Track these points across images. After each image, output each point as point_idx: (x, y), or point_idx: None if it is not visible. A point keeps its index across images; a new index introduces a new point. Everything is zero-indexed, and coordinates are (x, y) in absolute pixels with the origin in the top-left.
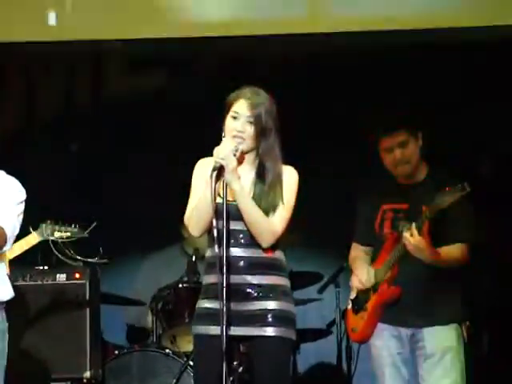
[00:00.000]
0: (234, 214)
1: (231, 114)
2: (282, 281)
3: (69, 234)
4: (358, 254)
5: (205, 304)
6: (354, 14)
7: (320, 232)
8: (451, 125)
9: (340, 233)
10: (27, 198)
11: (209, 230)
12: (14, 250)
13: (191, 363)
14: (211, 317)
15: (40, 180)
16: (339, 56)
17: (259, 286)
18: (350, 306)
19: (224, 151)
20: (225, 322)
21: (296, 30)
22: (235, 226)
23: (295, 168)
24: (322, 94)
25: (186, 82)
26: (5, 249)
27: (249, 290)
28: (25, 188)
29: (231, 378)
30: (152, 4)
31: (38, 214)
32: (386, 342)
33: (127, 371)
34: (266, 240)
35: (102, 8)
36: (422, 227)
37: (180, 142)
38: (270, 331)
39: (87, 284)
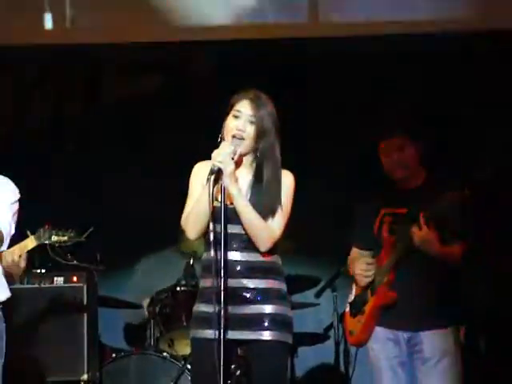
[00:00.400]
0: (232, 217)
1: (233, 113)
2: (279, 285)
3: (66, 238)
4: (357, 257)
5: (201, 308)
6: (354, 19)
7: (317, 236)
8: (451, 130)
9: (337, 237)
10: (26, 201)
11: (205, 233)
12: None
13: (189, 367)
14: (208, 320)
15: (38, 182)
16: (339, 60)
17: (256, 289)
18: (347, 309)
19: (222, 154)
20: (222, 326)
21: (296, 34)
22: (232, 229)
23: (292, 172)
24: (321, 98)
25: (185, 85)
26: (1, 249)
27: (245, 294)
28: (23, 190)
29: (229, 382)
30: (150, 7)
31: (36, 217)
32: (383, 346)
33: (125, 374)
34: (264, 244)
35: (99, 12)
36: (428, 222)
37: (178, 144)
38: (266, 335)
39: (85, 287)
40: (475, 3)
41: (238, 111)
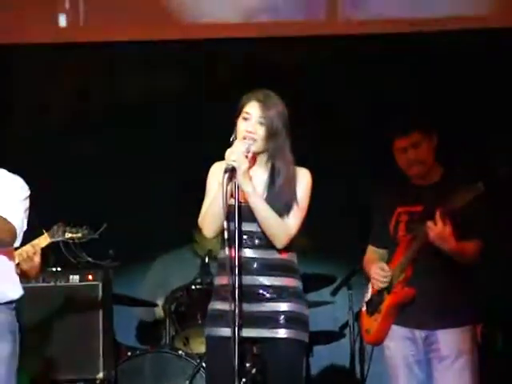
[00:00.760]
0: (247, 215)
1: (243, 115)
2: (295, 282)
3: (79, 235)
4: (373, 256)
5: (217, 305)
6: (371, 17)
7: (333, 234)
8: (467, 126)
9: (353, 235)
10: (39, 199)
11: (222, 232)
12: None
13: (204, 365)
14: (223, 318)
15: (52, 181)
16: (353, 58)
17: (271, 287)
18: (364, 308)
19: (235, 153)
20: (237, 324)
21: (314, 32)
22: (248, 227)
23: (308, 170)
24: (335, 96)
25: (198, 84)
26: (15, 245)
27: (261, 292)
28: (36, 189)
29: (244, 380)
30: (161, 5)
31: (50, 215)
32: (399, 344)
33: (140, 373)
34: (280, 241)
35: (112, 10)
36: (444, 218)
37: (189, 143)
38: (281, 333)
39: (100, 285)
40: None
41: (247, 113)
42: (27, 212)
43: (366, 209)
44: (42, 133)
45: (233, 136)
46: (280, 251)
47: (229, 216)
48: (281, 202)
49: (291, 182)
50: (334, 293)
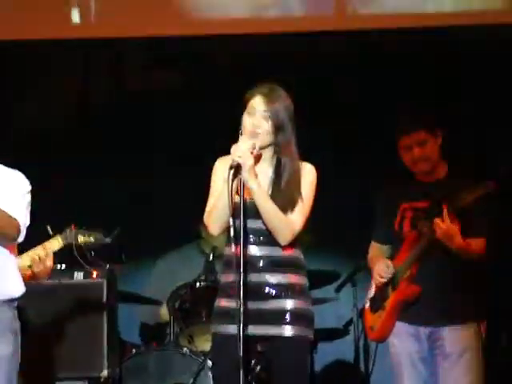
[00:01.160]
0: (252, 212)
1: (248, 110)
2: (301, 279)
3: (92, 239)
4: (376, 252)
5: (223, 303)
6: (377, 12)
7: (337, 230)
8: (472, 123)
9: (357, 231)
10: (50, 201)
11: (228, 229)
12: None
13: (209, 362)
14: (229, 315)
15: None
16: (359, 55)
17: (277, 284)
18: (367, 305)
19: (241, 149)
20: (241, 321)
21: (321, 27)
22: (253, 224)
23: (313, 166)
24: (340, 93)
25: (206, 80)
26: (19, 240)
27: (267, 289)
28: (47, 190)
29: (249, 377)
30: (169, 2)
31: (58, 218)
32: (404, 341)
33: (144, 370)
34: (284, 237)
35: (123, 6)
36: (451, 215)
37: (196, 140)
38: (287, 330)
39: (104, 283)
40: None
41: (252, 107)
42: (29, 207)
43: (370, 205)
44: (48, 131)
45: (240, 131)
46: (285, 248)
47: (234, 213)
48: (285, 198)
49: (296, 177)
50: (338, 289)
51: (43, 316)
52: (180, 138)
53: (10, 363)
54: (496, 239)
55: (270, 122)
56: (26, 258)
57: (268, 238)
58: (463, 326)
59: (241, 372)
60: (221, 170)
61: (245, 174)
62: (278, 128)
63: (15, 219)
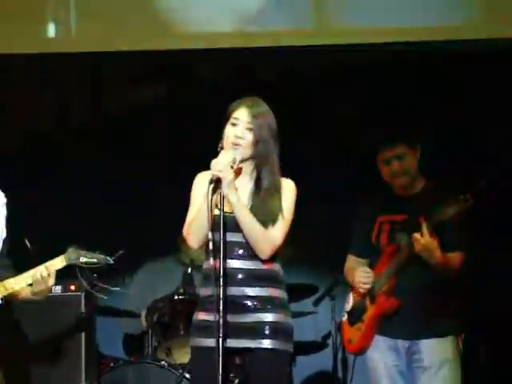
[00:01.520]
0: (232, 225)
1: (231, 120)
2: (280, 293)
3: (95, 260)
4: (353, 265)
5: (202, 316)
6: (357, 26)
7: (315, 244)
8: (450, 137)
9: (335, 245)
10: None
11: (207, 242)
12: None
13: (187, 375)
14: (208, 329)
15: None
16: (340, 69)
17: (256, 298)
18: (345, 318)
19: (221, 163)
20: (221, 335)
21: (302, 42)
22: (233, 237)
23: (292, 180)
24: (321, 106)
25: (188, 94)
26: None
27: (246, 302)
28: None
29: None
30: (153, 16)
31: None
32: (382, 354)
33: (123, 383)
34: (265, 252)
35: (101, 20)
36: (429, 229)
37: (178, 153)
38: (266, 343)
39: (83, 296)
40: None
41: (236, 118)
42: (4, 219)
43: (349, 219)
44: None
45: (220, 145)
46: (265, 262)
47: (213, 226)
48: (265, 212)
49: (275, 191)
50: (316, 303)
51: (20, 329)
52: (161, 151)
53: None
54: (474, 253)
55: (252, 135)
56: (28, 276)
57: (248, 251)
58: (441, 340)
59: None
60: (201, 184)
61: (224, 189)
62: (259, 141)
63: None
